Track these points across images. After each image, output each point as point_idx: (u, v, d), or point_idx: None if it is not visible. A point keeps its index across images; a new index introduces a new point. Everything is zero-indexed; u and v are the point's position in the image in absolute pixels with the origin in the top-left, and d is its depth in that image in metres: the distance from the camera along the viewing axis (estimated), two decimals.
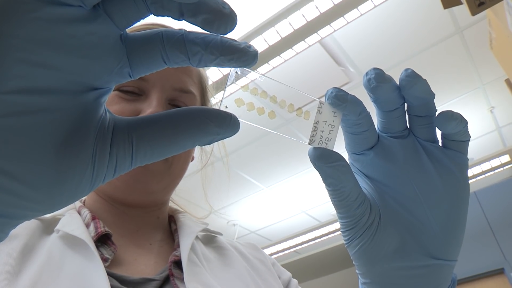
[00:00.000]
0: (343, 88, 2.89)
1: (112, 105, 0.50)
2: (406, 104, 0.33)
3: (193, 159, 0.63)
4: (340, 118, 0.32)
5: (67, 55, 0.19)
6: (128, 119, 0.23)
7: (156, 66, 0.22)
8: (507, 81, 1.75)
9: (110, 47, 0.20)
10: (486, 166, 3.32)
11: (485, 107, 3.12)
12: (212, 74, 2.10)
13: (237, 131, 0.23)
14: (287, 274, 0.62)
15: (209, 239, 0.61)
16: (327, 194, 0.33)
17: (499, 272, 3.25)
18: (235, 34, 2.20)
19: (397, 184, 0.33)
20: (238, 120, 0.23)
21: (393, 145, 0.33)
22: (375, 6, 1.97)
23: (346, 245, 0.34)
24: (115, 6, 0.20)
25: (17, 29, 0.18)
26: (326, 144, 0.31)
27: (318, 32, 2.00)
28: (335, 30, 2.04)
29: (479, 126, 3.30)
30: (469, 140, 0.34)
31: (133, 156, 0.22)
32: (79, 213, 0.52)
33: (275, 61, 2.15)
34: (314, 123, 0.31)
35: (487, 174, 3.46)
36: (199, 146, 0.66)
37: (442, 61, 2.67)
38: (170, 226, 0.59)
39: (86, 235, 0.46)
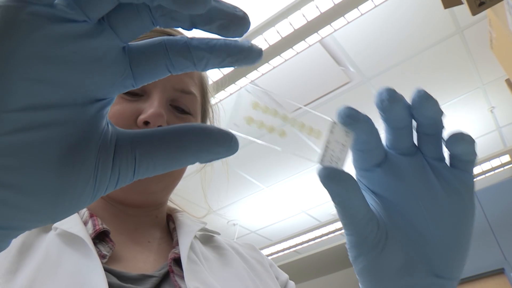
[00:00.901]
0: (344, 88, 2.90)
1: (113, 105, 0.50)
2: (415, 121, 0.33)
3: None
4: (352, 138, 0.31)
5: (72, 70, 0.19)
6: (130, 133, 0.23)
7: (160, 75, 0.22)
8: (508, 81, 1.75)
9: (113, 59, 0.20)
10: (486, 166, 3.32)
11: (485, 107, 3.12)
12: (212, 74, 2.10)
13: (236, 151, 0.24)
14: (285, 276, 0.63)
15: (207, 238, 0.61)
16: (335, 208, 0.32)
17: (499, 272, 3.25)
18: None
19: (404, 202, 0.33)
20: (238, 141, 0.24)
21: (401, 163, 0.33)
22: (376, 6, 1.96)
23: (351, 261, 0.34)
24: (120, 19, 0.20)
25: (23, 48, 0.18)
26: (337, 163, 0.31)
27: (319, 32, 1.99)
28: (335, 30, 2.04)
29: (479, 126, 3.30)
30: (476, 159, 0.33)
31: (135, 171, 0.22)
32: None
33: (276, 60, 2.15)
34: (325, 142, 0.31)
35: (487, 174, 3.45)
36: None
37: (442, 61, 2.67)
38: (169, 225, 0.60)
39: (83, 233, 0.46)
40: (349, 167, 0.31)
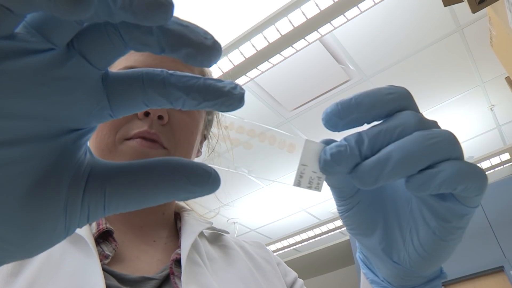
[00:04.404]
0: (343, 86, 2.89)
1: None
2: None
3: (200, 154, 0.62)
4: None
5: (39, 103, 0.18)
6: (105, 166, 0.22)
7: (137, 109, 0.21)
8: (508, 79, 1.75)
9: (87, 90, 0.19)
10: (486, 164, 3.32)
11: (485, 105, 3.12)
12: (212, 71, 2.10)
13: (217, 189, 0.22)
14: (293, 274, 0.62)
15: (215, 237, 0.61)
16: (329, 193, 0.32)
17: (499, 270, 3.25)
18: (236, 31, 2.19)
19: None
20: (219, 178, 0.22)
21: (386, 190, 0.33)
22: (375, 4, 1.96)
23: (341, 217, 0.33)
24: (90, 45, 0.19)
25: None
26: (317, 185, 0.29)
27: (318, 29, 1.99)
28: (335, 28, 2.04)
29: (479, 124, 3.30)
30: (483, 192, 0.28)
31: (105, 208, 0.21)
32: None
33: (275, 58, 2.15)
34: (301, 164, 0.28)
35: (487, 172, 3.45)
36: (205, 143, 0.65)
37: (442, 59, 2.67)
38: (176, 224, 0.59)
39: (86, 232, 0.45)
40: None
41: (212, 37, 0.19)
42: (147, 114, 0.49)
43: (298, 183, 0.29)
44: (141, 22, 0.18)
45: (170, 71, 0.20)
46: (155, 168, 0.21)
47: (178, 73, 0.20)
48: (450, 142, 0.26)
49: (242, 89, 0.20)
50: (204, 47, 0.19)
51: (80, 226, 0.21)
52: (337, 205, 0.32)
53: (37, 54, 0.18)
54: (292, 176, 0.29)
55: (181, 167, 0.21)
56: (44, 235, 0.20)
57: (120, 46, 0.19)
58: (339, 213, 0.32)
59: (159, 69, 0.20)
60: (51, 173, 0.20)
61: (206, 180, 0.21)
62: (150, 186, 0.21)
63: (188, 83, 0.20)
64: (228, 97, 0.20)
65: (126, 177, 0.21)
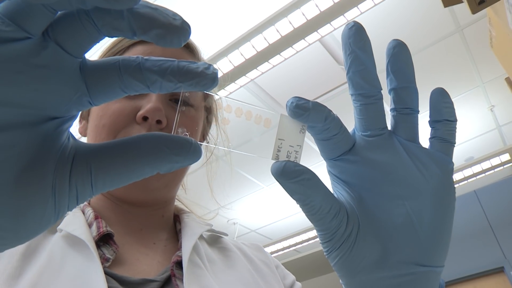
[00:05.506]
0: (343, 86, 2.90)
1: (113, 103, 0.50)
2: (390, 84, 0.33)
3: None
4: (305, 130, 0.30)
5: (17, 91, 0.18)
6: (88, 147, 0.22)
7: (115, 95, 0.21)
8: (507, 79, 1.75)
9: (64, 78, 0.20)
10: (486, 164, 3.32)
11: (485, 106, 3.12)
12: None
13: (198, 158, 0.23)
14: (291, 278, 0.62)
15: (214, 239, 0.61)
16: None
17: (499, 270, 3.25)
18: (236, 31, 2.19)
19: (379, 189, 0.31)
20: (200, 147, 0.23)
21: (372, 146, 0.31)
22: (375, 5, 1.96)
23: (326, 256, 0.32)
24: (64, 33, 0.19)
25: None
26: (295, 157, 0.29)
27: (318, 30, 1.99)
28: (335, 29, 2.04)
29: (479, 124, 3.30)
30: (455, 144, 0.33)
31: (92, 185, 0.21)
32: (83, 212, 0.52)
33: (275, 59, 2.15)
34: (277, 136, 0.29)
35: (487, 173, 3.45)
36: (204, 143, 0.65)
37: (442, 60, 2.67)
38: (176, 226, 0.59)
39: (86, 235, 0.45)
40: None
41: (181, 18, 0.20)
42: (145, 118, 0.49)
43: (276, 157, 0.30)
44: (112, 6, 0.18)
45: (146, 57, 0.21)
46: (135, 142, 0.22)
47: (153, 57, 0.21)
48: None
49: (215, 69, 0.21)
50: (173, 28, 0.20)
51: (70, 209, 0.22)
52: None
53: (13, 43, 0.18)
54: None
55: (160, 138, 0.22)
56: (34, 219, 0.20)
57: (94, 32, 0.20)
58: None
59: (135, 56, 0.21)
60: (35, 158, 0.20)
61: (188, 149, 0.22)
62: (132, 158, 0.22)
63: (163, 66, 0.21)
64: (202, 77, 0.21)
65: (109, 153, 0.22)
